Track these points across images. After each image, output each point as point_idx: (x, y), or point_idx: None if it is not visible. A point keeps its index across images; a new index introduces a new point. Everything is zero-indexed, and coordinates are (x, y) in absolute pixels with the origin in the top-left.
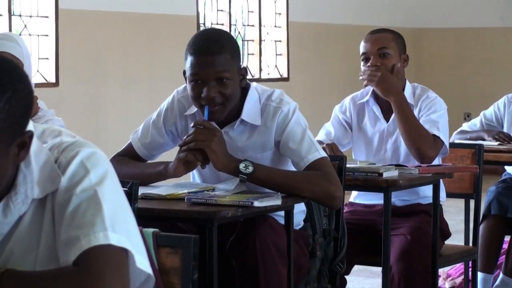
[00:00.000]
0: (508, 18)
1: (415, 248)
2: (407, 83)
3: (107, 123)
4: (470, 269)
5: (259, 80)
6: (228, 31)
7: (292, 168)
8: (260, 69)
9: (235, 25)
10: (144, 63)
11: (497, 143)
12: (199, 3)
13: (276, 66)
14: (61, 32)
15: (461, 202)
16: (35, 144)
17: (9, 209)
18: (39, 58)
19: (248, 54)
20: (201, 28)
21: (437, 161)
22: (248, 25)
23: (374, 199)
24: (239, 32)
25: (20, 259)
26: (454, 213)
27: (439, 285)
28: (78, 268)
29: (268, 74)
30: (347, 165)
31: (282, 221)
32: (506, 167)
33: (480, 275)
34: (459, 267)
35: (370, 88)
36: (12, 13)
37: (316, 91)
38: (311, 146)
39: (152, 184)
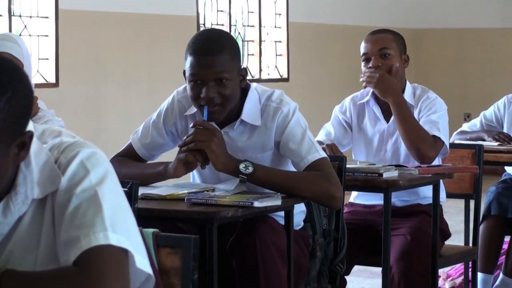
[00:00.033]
0: (508, 18)
1: (415, 248)
2: (408, 83)
3: (107, 123)
4: (470, 270)
5: (259, 80)
6: (228, 31)
7: (292, 169)
8: (260, 70)
9: (235, 25)
10: (144, 63)
11: (497, 143)
12: (199, 3)
13: (276, 66)
14: (61, 32)
15: (461, 203)
16: (35, 144)
17: (9, 209)
18: (39, 59)
19: (248, 54)
20: (201, 29)
21: (437, 161)
22: (248, 25)
23: (374, 199)
24: (239, 33)
25: (20, 259)
26: (454, 213)
27: (439, 285)
28: (78, 268)
29: (268, 74)
30: (347, 166)
31: (282, 222)
32: (506, 168)
33: (480, 275)
34: (459, 267)
35: (370, 89)
36: (12, 14)
37: (316, 92)
38: (311, 146)
39: (152, 184)
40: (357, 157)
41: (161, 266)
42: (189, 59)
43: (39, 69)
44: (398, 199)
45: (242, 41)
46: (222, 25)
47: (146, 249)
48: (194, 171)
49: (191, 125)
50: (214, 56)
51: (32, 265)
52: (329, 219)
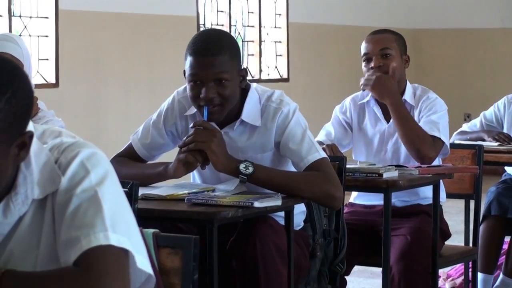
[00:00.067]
0: (508, 18)
1: (415, 248)
2: (408, 83)
3: (107, 123)
4: (470, 270)
5: (259, 81)
6: (228, 32)
7: (292, 169)
8: (260, 70)
9: (235, 26)
10: (144, 64)
11: (497, 143)
12: (199, 4)
13: (276, 67)
14: (61, 33)
15: (461, 203)
16: (35, 144)
17: (9, 209)
18: (39, 59)
19: (248, 55)
20: (201, 29)
21: (437, 161)
22: (248, 26)
23: (374, 199)
24: (239, 33)
25: (21, 259)
26: (454, 213)
27: (439, 285)
28: (78, 268)
29: (268, 75)
30: (347, 166)
31: (282, 222)
32: (506, 168)
33: (480, 275)
34: (459, 267)
35: None
36: (12, 14)
37: (316, 92)
38: (311, 146)
39: (152, 184)
40: (357, 157)
41: (162, 266)
42: (189, 59)
43: (39, 70)
44: (398, 199)
45: (242, 41)
46: (222, 25)
47: (146, 249)
48: (194, 172)
49: (191, 125)
50: (214, 56)
51: (32, 265)
52: (329, 220)
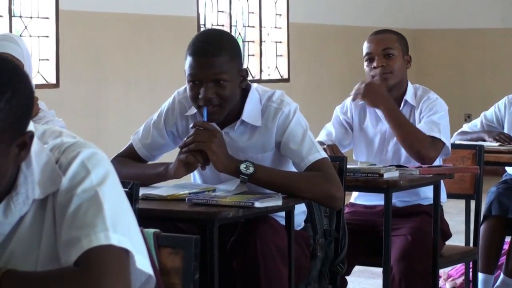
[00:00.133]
0: (508, 19)
1: (416, 248)
2: (409, 84)
3: (107, 124)
4: (470, 270)
5: (259, 81)
6: (229, 32)
7: (293, 169)
8: (261, 70)
9: (236, 26)
10: (144, 64)
11: (497, 144)
12: (200, 4)
13: (276, 67)
14: (62, 33)
15: (461, 203)
16: (36, 144)
17: (10, 209)
18: (39, 59)
19: (248, 55)
20: (202, 29)
21: (438, 162)
22: (248, 26)
23: (375, 199)
24: (239, 33)
25: (21, 259)
26: (454, 213)
27: (439, 285)
28: (79, 268)
29: (269, 75)
30: (348, 166)
31: (283, 222)
32: (507, 168)
33: (480, 275)
34: (459, 267)
35: None
36: (12, 14)
37: (317, 92)
38: (312, 146)
39: (152, 185)
40: (358, 157)
41: (162, 266)
42: (189, 59)
43: (40, 70)
44: (399, 199)
45: (243, 41)
46: (223, 25)
47: (147, 249)
48: (195, 172)
49: (191, 125)
50: (213, 57)
51: (33, 265)
52: (330, 220)
